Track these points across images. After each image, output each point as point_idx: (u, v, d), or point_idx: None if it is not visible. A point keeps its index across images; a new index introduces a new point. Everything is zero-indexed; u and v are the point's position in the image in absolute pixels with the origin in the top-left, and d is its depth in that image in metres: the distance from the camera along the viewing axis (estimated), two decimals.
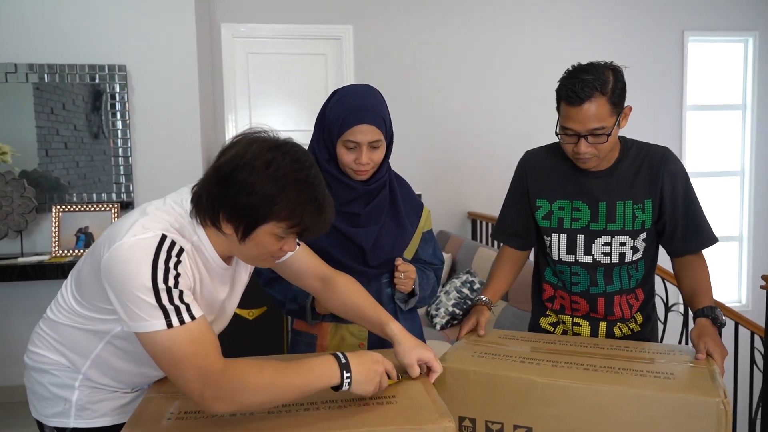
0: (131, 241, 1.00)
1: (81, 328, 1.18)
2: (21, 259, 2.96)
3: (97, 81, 3.22)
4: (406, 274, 1.49)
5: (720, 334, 1.43)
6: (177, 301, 1.00)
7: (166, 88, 3.31)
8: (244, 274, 1.31)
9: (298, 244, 1.32)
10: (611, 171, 1.54)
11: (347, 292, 1.34)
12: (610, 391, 1.20)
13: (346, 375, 1.05)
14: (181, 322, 0.99)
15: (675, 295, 2.68)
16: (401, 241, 1.53)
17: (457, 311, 3.31)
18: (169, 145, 3.36)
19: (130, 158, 3.32)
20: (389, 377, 1.16)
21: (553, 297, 1.69)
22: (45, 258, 3.02)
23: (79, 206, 3.23)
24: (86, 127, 3.32)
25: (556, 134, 1.48)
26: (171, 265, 1.01)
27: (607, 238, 1.56)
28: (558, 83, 1.46)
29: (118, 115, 3.28)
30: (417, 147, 4.48)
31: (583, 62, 1.48)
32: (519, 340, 1.51)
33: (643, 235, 1.56)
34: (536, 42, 4.36)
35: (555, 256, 1.62)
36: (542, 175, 1.62)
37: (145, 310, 0.98)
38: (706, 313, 1.46)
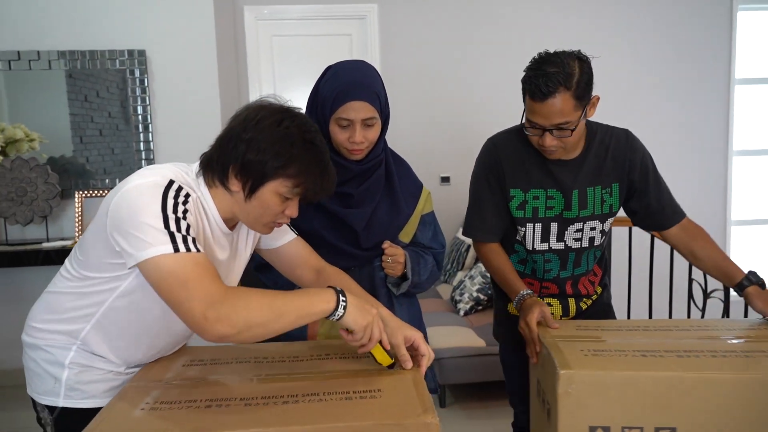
0: (141, 182, 1.05)
1: (83, 292, 1.18)
2: (45, 245, 3.01)
3: (117, 67, 3.23)
4: (394, 258, 1.42)
5: None
6: (184, 231, 1.02)
7: (186, 72, 3.28)
8: (246, 247, 1.31)
9: (296, 234, 1.35)
10: (581, 159, 1.53)
11: (337, 281, 1.31)
12: (757, 379, 1.14)
13: (342, 299, 1.08)
14: (188, 249, 1.01)
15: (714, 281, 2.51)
16: (396, 223, 1.47)
17: (482, 296, 3.21)
18: (189, 130, 3.34)
19: (151, 143, 3.32)
20: (383, 347, 1.14)
21: None
22: (68, 243, 3.06)
23: (101, 192, 3.26)
24: (121, 114, 3.33)
25: (522, 126, 1.47)
26: (180, 200, 1.05)
27: (579, 225, 1.56)
28: (524, 73, 1.42)
29: (139, 101, 3.27)
30: (443, 128, 4.36)
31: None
32: (604, 330, 1.42)
33: (611, 219, 1.58)
34: (573, 14, 4.14)
35: (529, 246, 1.59)
36: (516, 163, 1.56)
37: (151, 236, 0.99)
38: (753, 280, 1.48)
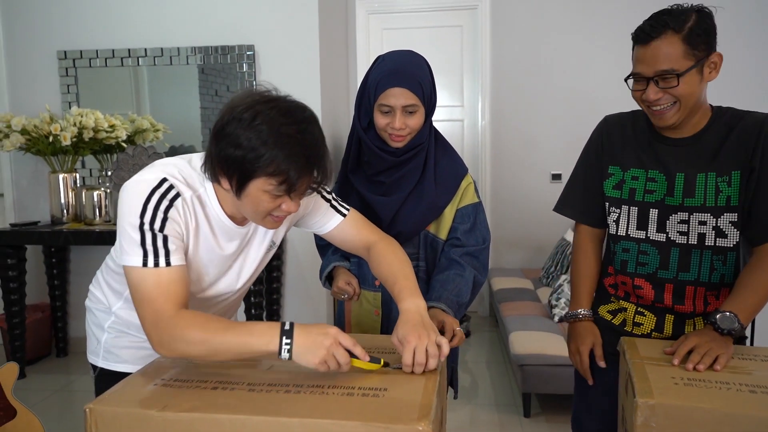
0: (134, 179, 1.10)
1: (118, 270, 1.27)
2: None
3: (228, 62, 3.41)
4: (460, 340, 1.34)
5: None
6: (159, 244, 1.07)
7: (289, 67, 3.38)
8: (264, 240, 1.29)
9: (346, 210, 1.34)
10: (695, 139, 1.32)
11: (377, 265, 1.31)
12: None
13: (285, 341, 1.01)
14: (156, 264, 1.07)
15: None
16: (421, 215, 1.46)
17: None
18: None
19: None
20: (357, 358, 1.05)
21: (615, 284, 1.48)
22: None
23: None
24: None
25: (626, 81, 1.35)
26: (162, 207, 1.08)
27: (683, 215, 1.34)
28: None
29: None
30: (555, 124, 4.13)
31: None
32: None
33: (731, 216, 1.30)
34: None
35: (622, 231, 1.41)
36: (620, 139, 1.44)
37: (129, 245, 1.07)
38: (714, 320, 1.22)
